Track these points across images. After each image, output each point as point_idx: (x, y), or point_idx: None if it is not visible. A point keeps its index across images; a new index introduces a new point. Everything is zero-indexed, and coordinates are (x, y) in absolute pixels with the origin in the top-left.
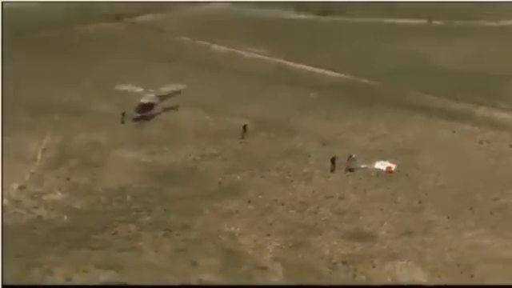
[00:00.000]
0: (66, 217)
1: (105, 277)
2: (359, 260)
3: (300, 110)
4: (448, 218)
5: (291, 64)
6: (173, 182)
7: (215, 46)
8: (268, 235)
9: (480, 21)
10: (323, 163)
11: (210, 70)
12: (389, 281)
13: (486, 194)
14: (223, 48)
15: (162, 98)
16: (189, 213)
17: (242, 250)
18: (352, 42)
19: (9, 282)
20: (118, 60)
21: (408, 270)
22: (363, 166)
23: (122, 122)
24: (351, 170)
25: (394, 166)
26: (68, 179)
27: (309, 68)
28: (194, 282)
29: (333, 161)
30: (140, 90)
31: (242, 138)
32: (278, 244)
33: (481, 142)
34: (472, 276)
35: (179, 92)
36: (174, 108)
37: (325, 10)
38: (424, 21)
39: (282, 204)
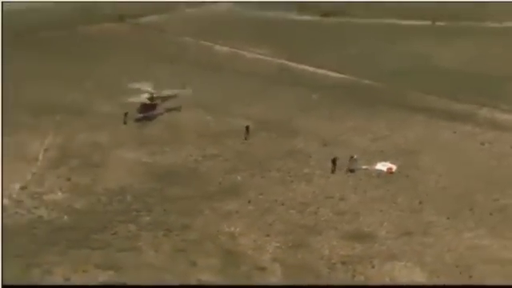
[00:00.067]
0: (66, 217)
1: (104, 277)
2: (358, 260)
3: (302, 110)
4: (448, 218)
5: (293, 65)
6: (173, 182)
7: (218, 47)
8: (267, 235)
9: (483, 22)
10: (324, 164)
11: (213, 71)
12: (387, 281)
13: (487, 195)
14: (226, 48)
15: (163, 99)
16: (189, 213)
17: (242, 250)
18: (355, 43)
19: (9, 282)
20: (121, 60)
21: (407, 271)
22: (364, 167)
23: (125, 123)
24: (352, 170)
25: (394, 167)
26: (69, 179)
27: (311, 69)
28: (193, 282)
29: (334, 161)
30: (150, 87)
31: (245, 138)
32: (278, 244)
33: (482, 143)
34: (471, 276)
35: (175, 96)
36: (177, 109)
37: (328, 11)
38: (428, 22)
39: (282, 204)
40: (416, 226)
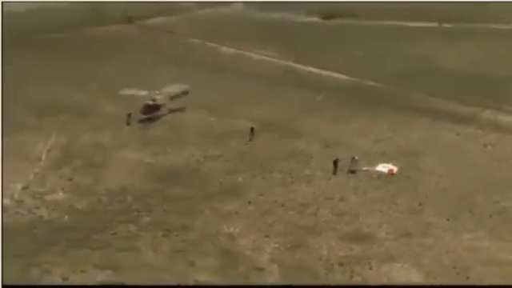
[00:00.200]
0: (66, 217)
1: (102, 277)
2: (356, 261)
3: (305, 112)
4: (447, 220)
5: (299, 66)
6: (174, 183)
7: (224, 48)
8: (267, 236)
9: (489, 24)
10: (325, 165)
11: (218, 72)
12: (385, 281)
13: (487, 197)
14: (232, 50)
15: (170, 98)
16: (189, 213)
17: (240, 250)
18: (360, 44)
19: (9, 282)
20: (126, 62)
21: (404, 272)
22: (365, 169)
23: (128, 124)
24: (353, 172)
25: (395, 169)
26: (71, 179)
27: (316, 70)
28: (191, 283)
29: (335, 163)
30: (145, 93)
31: (250, 140)
32: (276, 245)
33: (485, 145)
34: (468, 278)
35: (187, 92)
36: (181, 110)
37: (334, 13)
38: (434, 24)
39: (282, 205)
40: (415, 227)
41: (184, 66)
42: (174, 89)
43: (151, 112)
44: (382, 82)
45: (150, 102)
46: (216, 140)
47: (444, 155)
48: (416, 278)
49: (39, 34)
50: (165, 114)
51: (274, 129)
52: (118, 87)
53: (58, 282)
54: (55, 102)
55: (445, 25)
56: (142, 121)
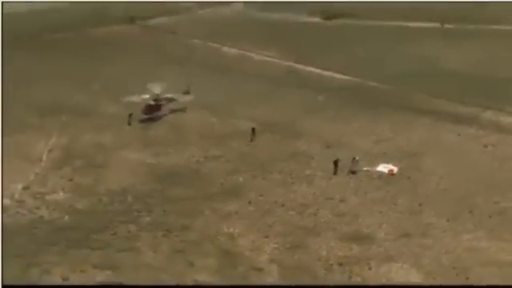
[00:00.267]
0: (67, 217)
1: (101, 277)
2: (355, 262)
3: (307, 112)
4: (447, 220)
5: (301, 67)
6: (175, 183)
7: (226, 49)
8: (266, 237)
9: (492, 24)
10: (326, 165)
11: (220, 73)
12: (384, 281)
13: (487, 198)
14: (234, 50)
15: (168, 100)
16: (189, 214)
17: (240, 250)
18: (362, 45)
19: (9, 282)
20: (128, 62)
21: (403, 272)
22: (365, 169)
23: (129, 124)
24: (354, 172)
25: (396, 169)
26: (71, 180)
27: (318, 71)
28: (190, 283)
29: (335, 163)
30: (146, 97)
31: (251, 140)
32: (276, 245)
33: (485, 146)
34: (467, 278)
35: (188, 92)
36: (182, 110)
37: (336, 13)
38: (437, 24)
39: (282, 206)
40: (415, 227)
41: (186, 67)
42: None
43: (152, 112)
44: (383, 83)
45: (152, 102)
46: (217, 140)
47: (444, 156)
48: (415, 279)
49: (42, 35)
50: (166, 114)
51: (275, 129)
52: (120, 87)
53: (58, 281)
54: (57, 103)
55: (447, 25)
56: (143, 121)
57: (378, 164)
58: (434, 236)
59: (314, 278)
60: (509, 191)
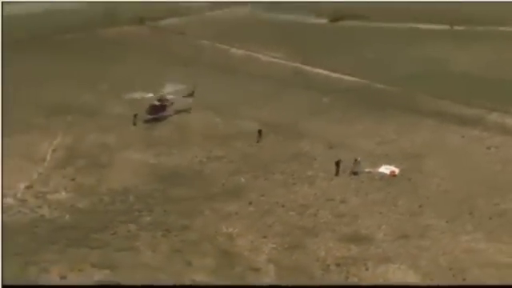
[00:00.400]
0: (67, 216)
1: (99, 276)
2: (353, 262)
3: (312, 113)
4: (447, 222)
5: (308, 68)
6: (177, 184)
7: (234, 50)
8: (265, 237)
9: (502, 26)
10: (328, 166)
11: (227, 73)
12: (380, 282)
13: (488, 199)
14: (241, 51)
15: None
16: (189, 214)
17: (238, 251)
18: (370, 46)
19: (9, 282)
20: (137, 62)
21: (400, 273)
22: (367, 170)
23: (134, 124)
24: (355, 173)
25: (397, 170)
26: (74, 179)
27: (325, 72)
28: (187, 282)
29: (337, 164)
30: (150, 95)
31: (258, 141)
32: (274, 246)
33: (488, 148)
34: (464, 279)
35: (193, 93)
36: (187, 110)
37: (345, 14)
38: (446, 26)
39: (283, 206)
40: (414, 229)
41: (194, 68)
42: (180, 91)
43: (157, 112)
44: (391, 85)
45: (156, 103)
46: (221, 141)
47: (447, 157)
48: (412, 279)
49: (53, 35)
50: (170, 115)
51: (279, 130)
52: (128, 88)
53: (56, 280)
54: (64, 103)
55: (456, 27)
56: (147, 121)
57: (380, 165)
58: (432, 237)
59: (311, 278)
60: (510, 193)
